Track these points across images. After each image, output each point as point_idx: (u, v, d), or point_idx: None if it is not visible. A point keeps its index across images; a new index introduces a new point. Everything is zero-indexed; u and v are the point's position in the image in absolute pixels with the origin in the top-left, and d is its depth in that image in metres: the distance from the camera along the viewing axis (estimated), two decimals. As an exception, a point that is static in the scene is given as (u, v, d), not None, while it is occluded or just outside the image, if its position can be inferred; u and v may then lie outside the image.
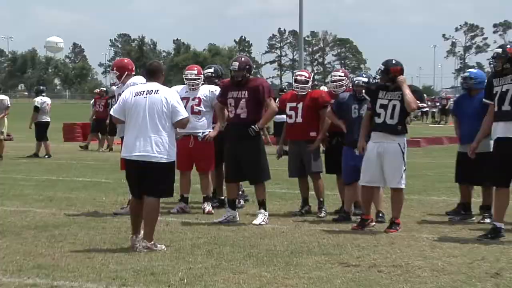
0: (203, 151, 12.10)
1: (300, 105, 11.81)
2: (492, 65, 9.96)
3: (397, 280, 7.45)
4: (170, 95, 9.12)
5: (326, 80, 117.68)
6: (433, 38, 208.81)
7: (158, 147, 8.95)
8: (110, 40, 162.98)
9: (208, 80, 12.54)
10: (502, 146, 9.70)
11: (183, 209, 12.05)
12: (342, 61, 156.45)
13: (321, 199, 11.81)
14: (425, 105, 10.56)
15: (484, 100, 10.19)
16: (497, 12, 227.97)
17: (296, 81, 12.00)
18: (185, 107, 11.86)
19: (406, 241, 9.54)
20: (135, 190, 9.24)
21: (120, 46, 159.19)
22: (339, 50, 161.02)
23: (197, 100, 12.15)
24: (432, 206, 12.74)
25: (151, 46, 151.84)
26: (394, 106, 10.27)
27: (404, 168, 10.32)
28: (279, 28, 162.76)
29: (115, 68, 11.88)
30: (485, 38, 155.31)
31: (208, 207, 12.03)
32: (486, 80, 10.64)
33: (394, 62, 10.41)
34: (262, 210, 11.02)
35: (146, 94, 9.06)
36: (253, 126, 10.86)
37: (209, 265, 8.08)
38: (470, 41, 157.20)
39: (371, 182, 10.42)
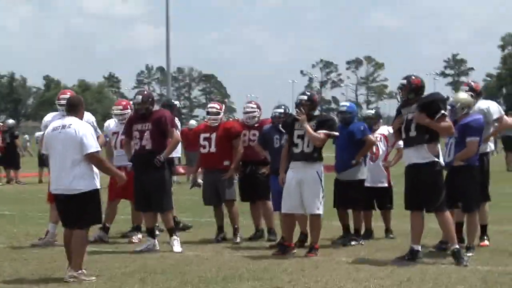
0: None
1: (213, 136, 11.64)
2: (398, 96, 10.06)
3: (340, 302, 7.34)
4: (81, 128, 8.77)
5: (194, 114, 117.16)
6: (291, 74, 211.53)
7: (76, 179, 8.67)
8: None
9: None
10: (410, 172, 9.76)
11: (101, 238, 11.59)
12: (208, 96, 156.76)
13: (236, 226, 11.62)
14: (337, 133, 10.58)
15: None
16: (350, 50, 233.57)
17: (208, 113, 11.83)
18: (115, 141, 11.68)
19: (329, 264, 9.44)
20: (63, 221, 9.03)
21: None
22: (204, 86, 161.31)
23: None
24: (338, 230, 12.67)
25: (21, 82, 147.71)
26: None
27: (322, 194, 10.27)
28: (147, 64, 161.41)
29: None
30: (339, 74, 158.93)
31: (135, 237, 11.71)
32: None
33: (309, 94, 10.40)
34: (175, 236, 10.77)
35: (61, 129, 8.84)
36: (158, 157, 10.62)
37: (149, 294, 7.77)
38: (326, 77, 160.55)
39: (291, 209, 10.28)
